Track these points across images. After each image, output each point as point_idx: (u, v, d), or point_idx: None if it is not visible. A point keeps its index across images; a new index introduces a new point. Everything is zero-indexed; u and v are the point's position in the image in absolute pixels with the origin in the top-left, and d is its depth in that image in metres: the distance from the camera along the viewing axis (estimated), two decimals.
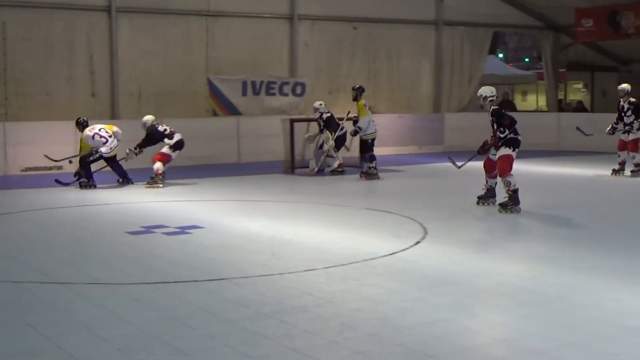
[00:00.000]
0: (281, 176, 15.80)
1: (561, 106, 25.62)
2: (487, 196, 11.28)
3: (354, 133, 14.96)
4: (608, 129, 15.19)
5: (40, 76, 17.59)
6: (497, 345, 5.31)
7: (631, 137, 14.93)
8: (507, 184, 10.71)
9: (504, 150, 10.85)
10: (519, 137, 10.95)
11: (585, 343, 5.25)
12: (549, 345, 5.19)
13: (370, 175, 14.70)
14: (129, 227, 9.84)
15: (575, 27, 22.76)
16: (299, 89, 20.04)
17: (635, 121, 14.79)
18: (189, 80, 19.16)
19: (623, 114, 14.99)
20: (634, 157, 15.00)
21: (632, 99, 15.03)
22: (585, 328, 5.57)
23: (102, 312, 6.09)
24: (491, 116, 11.01)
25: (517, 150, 10.95)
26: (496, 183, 11.16)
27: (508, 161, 10.81)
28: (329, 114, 16.06)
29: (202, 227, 9.84)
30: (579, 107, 26.03)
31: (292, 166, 16.22)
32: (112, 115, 18.29)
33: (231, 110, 19.20)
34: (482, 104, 11.26)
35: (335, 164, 15.85)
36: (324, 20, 21.16)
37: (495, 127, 10.91)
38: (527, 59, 39.28)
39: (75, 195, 13.04)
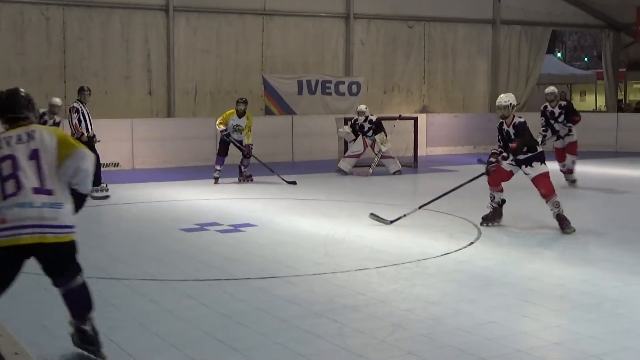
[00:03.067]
0: (334, 175, 15.77)
1: (621, 106, 25.15)
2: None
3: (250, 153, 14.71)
4: (539, 140, 13.07)
5: (98, 74, 17.85)
6: (551, 348, 5.22)
7: (568, 140, 13.60)
8: None
9: None
10: None
11: None
12: (605, 350, 5.09)
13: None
14: (183, 224, 9.93)
15: (636, 26, 22.32)
16: (354, 88, 20.02)
17: (567, 125, 13.46)
18: (245, 79, 19.27)
19: (553, 120, 13.52)
20: (573, 162, 13.72)
21: (562, 102, 13.79)
22: None
23: (155, 307, 6.16)
24: None
25: None
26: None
27: None
28: (376, 118, 16.07)
29: (255, 225, 9.88)
30: (639, 108, 25.53)
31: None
32: (168, 113, 18.49)
33: (286, 109, 19.27)
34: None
35: (396, 166, 15.83)
36: (380, 19, 21.10)
37: None
38: (586, 58, 38.66)
39: (131, 192, 13.20)
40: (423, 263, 7.69)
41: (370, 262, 7.68)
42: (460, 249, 8.35)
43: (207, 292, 6.63)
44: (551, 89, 13.85)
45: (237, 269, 7.47)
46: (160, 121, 18.27)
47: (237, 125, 14.65)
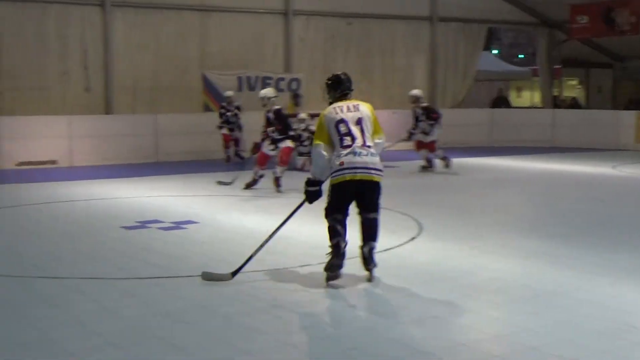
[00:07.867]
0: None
1: (556, 102, 25.64)
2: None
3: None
4: (405, 136, 15.61)
5: (34, 70, 17.55)
6: (491, 341, 5.31)
7: (428, 139, 15.42)
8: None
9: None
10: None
11: (579, 339, 5.26)
12: (544, 341, 5.20)
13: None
14: (124, 222, 9.82)
15: (570, 24, 22.77)
16: (294, 85, 20.04)
17: (428, 125, 15.33)
18: (184, 75, 19.14)
19: (417, 120, 15.45)
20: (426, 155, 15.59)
21: (424, 104, 15.59)
22: (579, 324, 5.58)
23: (95, 307, 6.08)
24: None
25: None
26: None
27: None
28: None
29: (197, 222, 9.82)
30: (574, 104, 26.05)
31: None
32: (106, 110, 18.25)
33: None
34: (265, 103, 12.59)
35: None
36: (319, 15, 21.16)
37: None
38: (522, 55, 39.24)
39: (69, 190, 13.01)
40: None
41: (312, 258, 7.68)
42: (402, 244, 8.43)
43: (148, 290, 6.58)
44: (412, 92, 15.74)
45: (180, 267, 7.42)
46: (99, 118, 18.02)
47: None
